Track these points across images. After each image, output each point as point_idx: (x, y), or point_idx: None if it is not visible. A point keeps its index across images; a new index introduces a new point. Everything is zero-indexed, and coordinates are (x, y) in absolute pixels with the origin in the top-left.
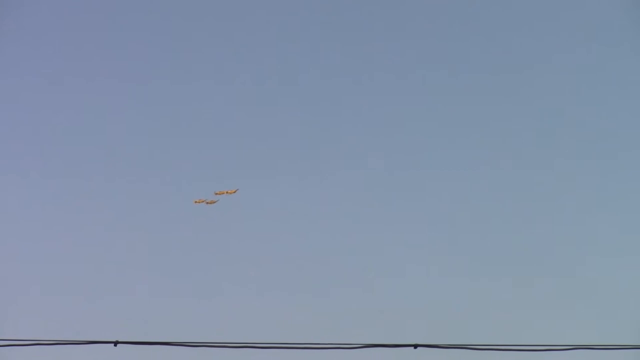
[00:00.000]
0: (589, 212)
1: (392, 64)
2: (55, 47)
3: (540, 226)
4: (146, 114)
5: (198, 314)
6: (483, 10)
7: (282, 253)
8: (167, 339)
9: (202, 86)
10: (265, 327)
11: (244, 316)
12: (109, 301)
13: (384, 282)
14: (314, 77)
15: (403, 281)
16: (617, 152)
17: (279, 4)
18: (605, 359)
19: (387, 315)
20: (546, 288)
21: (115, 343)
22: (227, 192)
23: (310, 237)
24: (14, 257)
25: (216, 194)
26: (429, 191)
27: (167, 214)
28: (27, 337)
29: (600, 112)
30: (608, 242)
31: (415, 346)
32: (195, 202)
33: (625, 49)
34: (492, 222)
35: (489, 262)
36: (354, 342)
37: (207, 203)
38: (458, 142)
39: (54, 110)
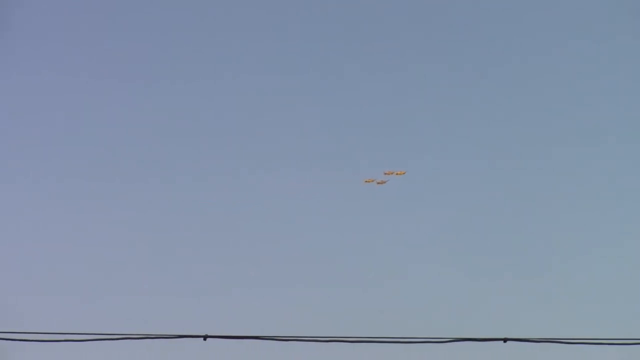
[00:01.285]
0: (588, 210)
1: (384, 59)
2: (69, 43)
3: (542, 222)
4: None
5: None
6: (480, 5)
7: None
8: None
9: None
10: (352, 321)
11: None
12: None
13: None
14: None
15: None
16: (614, 147)
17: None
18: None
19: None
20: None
21: (205, 337)
22: (396, 173)
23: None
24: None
25: (386, 173)
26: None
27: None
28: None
29: (598, 109)
30: (611, 237)
31: (505, 340)
32: (366, 181)
33: (624, 45)
34: (495, 220)
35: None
36: (444, 337)
37: (378, 183)
38: (456, 138)
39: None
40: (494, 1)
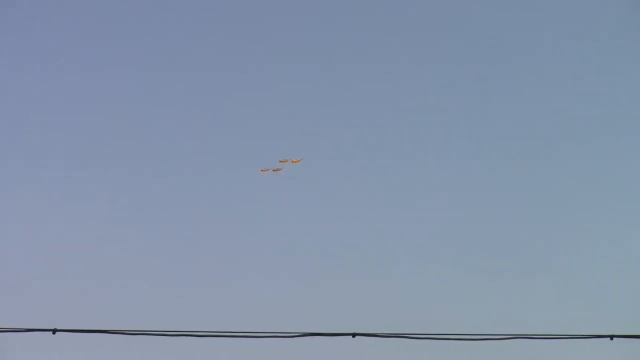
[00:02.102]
0: (585, 208)
1: (379, 55)
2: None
3: (538, 220)
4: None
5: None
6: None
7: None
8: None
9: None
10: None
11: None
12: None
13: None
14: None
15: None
16: (614, 144)
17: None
18: (551, 348)
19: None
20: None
21: (54, 331)
22: (292, 161)
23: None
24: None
25: (281, 162)
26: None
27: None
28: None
29: (596, 106)
30: (604, 235)
31: (354, 335)
32: (262, 170)
33: (623, 40)
34: (487, 217)
35: (481, 255)
36: (292, 332)
37: (274, 171)
38: (452, 135)
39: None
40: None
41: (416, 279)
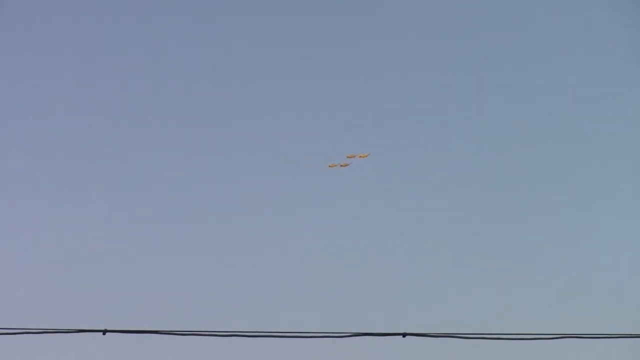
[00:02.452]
0: (579, 204)
1: (376, 53)
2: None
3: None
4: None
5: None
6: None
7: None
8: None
9: None
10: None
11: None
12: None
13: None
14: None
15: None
16: (605, 142)
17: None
18: (597, 348)
19: (374, 304)
20: (524, 276)
21: (104, 332)
22: (359, 156)
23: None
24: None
25: (348, 157)
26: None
27: None
28: (15, 326)
29: (593, 104)
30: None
31: (404, 335)
32: (330, 166)
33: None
34: (475, 212)
35: (465, 251)
36: (343, 332)
37: (341, 166)
38: (437, 133)
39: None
40: None
41: (459, 278)
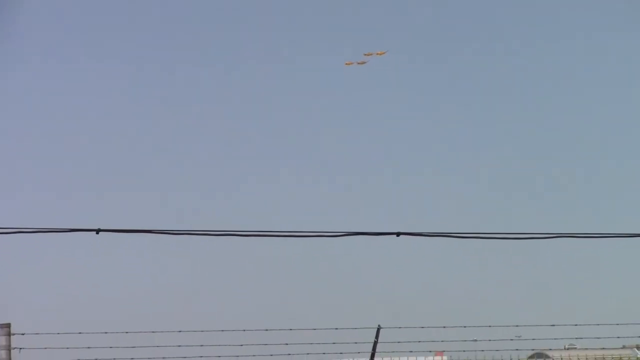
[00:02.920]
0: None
1: (376, 42)
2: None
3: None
4: None
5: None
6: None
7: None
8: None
9: None
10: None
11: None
12: None
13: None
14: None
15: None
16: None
17: None
18: (589, 245)
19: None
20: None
21: (97, 231)
22: (376, 54)
23: None
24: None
25: (365, 55)
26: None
27: None
28: (10, 226)
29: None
30: None
31: (398, 234)
32: (347, 64)
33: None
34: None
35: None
36: (338, 231)
37: (358, 64)
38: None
39: None
40: None
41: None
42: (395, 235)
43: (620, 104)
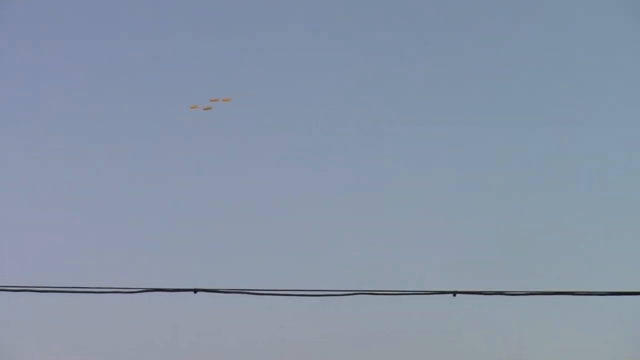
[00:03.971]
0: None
1: (376, 27)
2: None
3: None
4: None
5: None
6: None
7: None
8: None
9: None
10: None
11: None
12: None
13: None
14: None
15: None
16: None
17: None
18: None
19: None
20: None
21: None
22: (222, 100)
23: None
24: None
25: (211, 100)
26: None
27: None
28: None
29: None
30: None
31: (195, 291)
32: (192, 107)
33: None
34: None
35: None
36: (134, 287)
37: (204, 109)
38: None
39: None
40: None
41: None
42: (192, 292)
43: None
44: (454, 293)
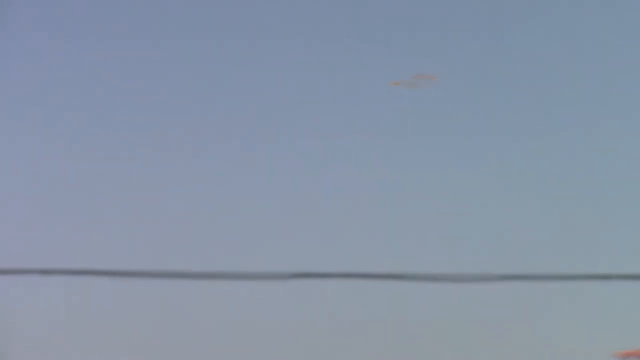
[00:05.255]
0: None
1: (378, 24)
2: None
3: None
4: None
5: None
6: None
7: None
8: None
9: None
10: None
11: None
12: None
13: None
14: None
15: None
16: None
17: None
18: None
19: None
20: None
21: None
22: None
23: None
24: None
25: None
26: None
27: None
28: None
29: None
30: None
31: None
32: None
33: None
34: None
35: None
36: None
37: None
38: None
39: None
40: None
41: None
42: None
43: None
44: None
